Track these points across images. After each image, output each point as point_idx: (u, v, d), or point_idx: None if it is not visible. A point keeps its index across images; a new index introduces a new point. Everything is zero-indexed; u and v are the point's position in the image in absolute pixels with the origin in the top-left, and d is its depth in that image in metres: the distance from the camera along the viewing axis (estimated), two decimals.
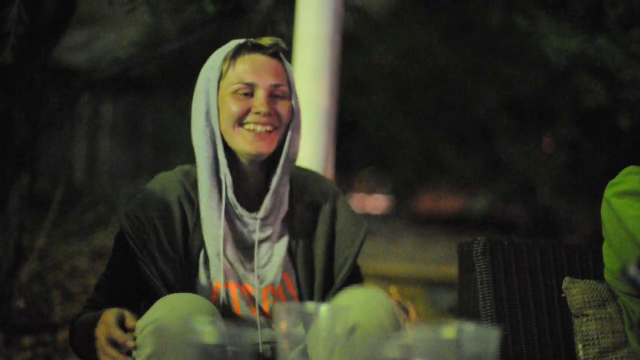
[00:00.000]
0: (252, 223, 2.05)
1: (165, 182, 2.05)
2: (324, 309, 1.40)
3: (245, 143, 2.00)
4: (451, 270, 2.66)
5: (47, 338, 4.04)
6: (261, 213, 2.05)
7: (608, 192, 2.03)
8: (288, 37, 3.57)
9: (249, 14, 4.33)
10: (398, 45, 11.80)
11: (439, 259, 8.97)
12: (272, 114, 2.02)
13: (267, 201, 2.05)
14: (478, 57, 10.47)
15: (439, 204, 15.76)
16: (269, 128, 2.01)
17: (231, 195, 2.03)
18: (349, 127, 11.11)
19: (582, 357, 2.08)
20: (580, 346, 2.09)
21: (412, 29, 11.81)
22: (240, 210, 2.04)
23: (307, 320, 1.39)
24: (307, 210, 2.13)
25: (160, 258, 1.95)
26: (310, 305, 1.40)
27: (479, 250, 2.19)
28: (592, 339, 2.07)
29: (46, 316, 4.45)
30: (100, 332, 1.80)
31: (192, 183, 2.05)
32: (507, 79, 9.91)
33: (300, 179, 2.17)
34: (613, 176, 2.07)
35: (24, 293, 4.35)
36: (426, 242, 11.95)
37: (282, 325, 1.39)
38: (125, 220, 1.98)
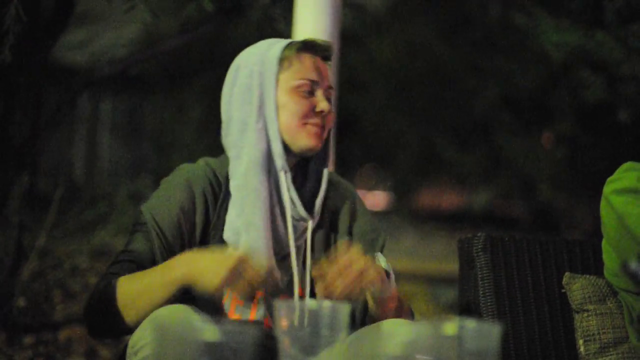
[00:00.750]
0: (294, 226, 2.01)
1: (190, 175, 1.99)
2: (326, 305, 1.40)
3: (309, 138, 2.00)
4: (451, 266, 2.66)
5: (48, 337, 4.04)
6: (316, 213, 2.04)
7: (607, 189, 2.02)
8: (286, 35, 3.57)
9: (248, 11, 4.33)
10: (397, 42, 11.80)
11: (439, 255, 8.99)
12: (330, 114, 2.05)
13: (319, 201, 2.04)
14: (477, 53, 10.46)
15: (439, 200, 15.78)
16: (320, 129, 2.02)
17: (294, 195, 2.01)
18: (348, 124, 11.12)
19: (583, 353, 2.08)
20: (581, 342, 2.09)
21: (410, 25, 11.81)
22: (299, 208, 2.00)
23: (308, 317, 1.39)
24: (327, 215, 2.08)
25: (177, 248, 1.91)
26: (311, 302, 1.40)
27: (479, 246, 2.19)
28: (593, 334, 2.07)
29: (47, 315, 4.45)
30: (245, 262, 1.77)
31: (216, 178, 2.00)
32: (507, 75, 9.90)
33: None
34: (613, 171, 2.06)
35: (25, 292, 4.36)
36: (426, 238, 11.96)
37: (283, 322, 1.38)
38: (147, 208, 1.94)
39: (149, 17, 3.59)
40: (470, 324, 1.28)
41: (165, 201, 1.95)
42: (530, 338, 2.16)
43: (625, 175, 2.01)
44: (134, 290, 1.83)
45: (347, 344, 1.81)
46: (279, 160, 2.00)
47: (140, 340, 1.72)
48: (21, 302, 4.29)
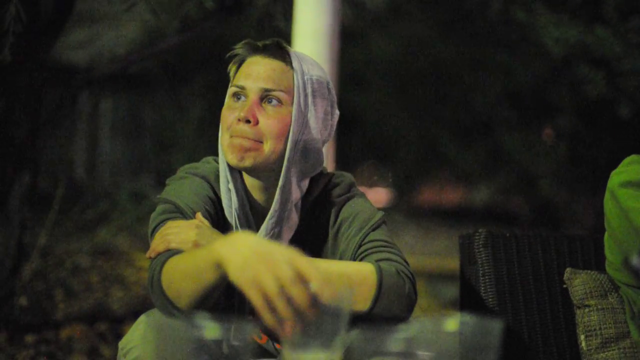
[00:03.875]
0: None
1: (202, 171, 1.90)
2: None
3: (231, 154, 1.79)
4: (453, 262, 2.67)
5: (50, 335, 4.05)
6: (261, 234, 1.81)
7: (611, 182, 2.02)
8: (286, 32, 3.57)
9: (248, 9, 4.34)
10: (397, 39, 11.79)
11: (440, 252, 8.98)
12: (252, 122, 1.78)
13: (265, 224, 1.82)
14: (478, 49, 10.46)
15: (440, 197, 15.77)
16: (245, 141, 1.78)
17: (234, 214, 1.83)
18: (348, 121, 11.11)
19: (584, 348, 2.08)
20: (582, 337, 2.09)
21: (411, 22, 11.80)
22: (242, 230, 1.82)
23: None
24: (320, 228, 1.90)
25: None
26: None
27: (480, 242, 2.19)
28: (594, 329, 2.07)
29: (49, 314, 4.46)
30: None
31: (216, 179, 1.90)
32: (507, 71, 9.91)
33: (341, 200, 1.91)
34: (614, 166, 2.06)
35: (27, 291, 4.36)
36: (427, 234, 11.95)
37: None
38: (169, 195, 1.83)
39: (149, 16, 3.60)
40: (471, 320, 1.28)
41: (186, 189, 1.84)
42: (531, 334, 2.16)
43: (629, 168, 2.00)
44: (177, 277, 1.59)
45: None
46: (229, 181, 1.85)
47: (130, 343, 1.68)
48: (23, 301, 4.30)
